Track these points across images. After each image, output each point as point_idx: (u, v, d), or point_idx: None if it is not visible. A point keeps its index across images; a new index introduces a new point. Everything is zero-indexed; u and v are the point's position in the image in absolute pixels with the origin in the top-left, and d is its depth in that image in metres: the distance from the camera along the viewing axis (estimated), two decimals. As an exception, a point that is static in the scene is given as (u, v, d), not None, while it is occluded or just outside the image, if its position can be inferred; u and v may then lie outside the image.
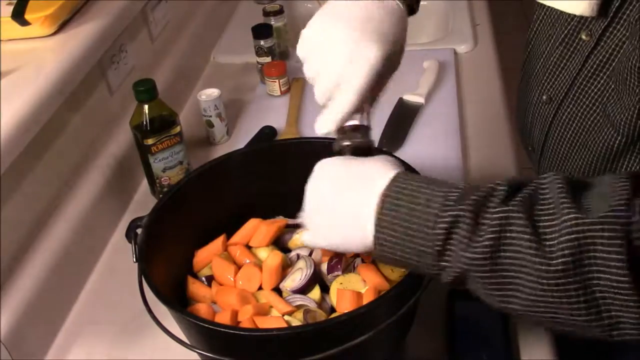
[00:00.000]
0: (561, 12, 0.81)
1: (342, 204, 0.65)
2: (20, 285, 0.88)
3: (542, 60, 0.88)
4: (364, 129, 0.74)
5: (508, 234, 0.54)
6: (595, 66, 0.77)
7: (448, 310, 0.87)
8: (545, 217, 0.54)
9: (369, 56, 0.69)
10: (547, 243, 0.53)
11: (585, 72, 0.79)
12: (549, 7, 0.85)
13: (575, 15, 0.79)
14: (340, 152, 0.73)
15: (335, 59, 0.70)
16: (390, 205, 0.60)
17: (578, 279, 0.52)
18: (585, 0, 0.74)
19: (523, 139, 0.99)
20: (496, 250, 0.55)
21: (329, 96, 0.73)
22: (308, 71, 0.74)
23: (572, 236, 0.52)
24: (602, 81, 0.77)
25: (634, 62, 0.68)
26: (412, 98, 1.29)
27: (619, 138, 0.75)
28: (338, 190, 0.66)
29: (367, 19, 0.71)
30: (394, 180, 0.62)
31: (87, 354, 0.91)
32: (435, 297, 0.88)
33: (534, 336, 0.85)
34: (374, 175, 0.64)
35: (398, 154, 0.95)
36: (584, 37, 0.78)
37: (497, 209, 0.56)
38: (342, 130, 0.73)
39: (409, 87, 1.31)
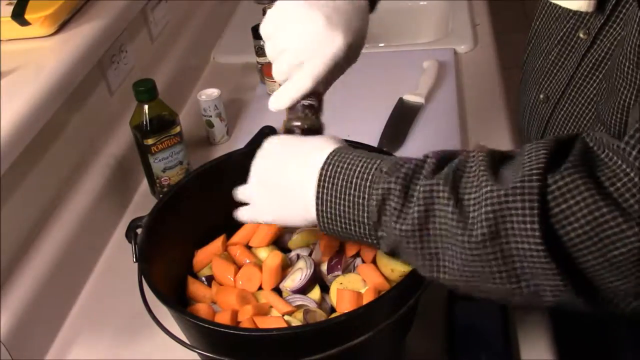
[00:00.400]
0: (561, 10, 0.82)
1: (286, 179, 0.67)
2: (20, 285, 0.88)
3: (541, 59, 0.88)
4: (315, 111, 0.76)
5: (435, 207, 0.56)
6: (591, 65, 0.78)
7: (448, 310, 0.87)
8: (468, 190, 0.56)
9: (336, 41, 0.72)
10: (470, 215, 0.54)
11: (582, 70, 0.79)
12: (550, 5, 0.85)
13: (574, 13, 0.79)
14: (290, 132, 0.75)
15: (302, 38, 0.72)
16: (329, 179, 0.63)
17: (497, 249, 0.53)
18: None
19: (522, 139, 1.00)
20: (424, 222, 0.57)
21: (288, 74, 0.74)
22: (272, 48, 0.75)
23: (489, 208, 0.53)
24: (597, 80, 0.77)
25: (628, 48, 0.66)
26: (412, 98, 1.29)
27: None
28: (281, 166, 0.69)
29: (337, 8, 0.73)
30: (332, 154, 0.64)
31: (87, 354, 0.91)
32: (435, 297, 0.88)
33: (534, 336, 0.85)
34: (314, 152, 0.66)
35: (398, 153, 0.95)
36: (581, 35, 0.78)
37: (424, 182, 0.57)
38: (294, 110, 0.75)
39: (409, 87, 1.31)
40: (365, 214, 0.61)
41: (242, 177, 0.91)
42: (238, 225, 0.90)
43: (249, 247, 0.89)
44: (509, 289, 0.55)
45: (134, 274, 0.75)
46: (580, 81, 0.80)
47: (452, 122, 1.23)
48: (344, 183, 0.61)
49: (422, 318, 0.82)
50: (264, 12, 1.48)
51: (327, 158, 0.64)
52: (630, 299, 0.54)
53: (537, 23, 0.89)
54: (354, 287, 0.80)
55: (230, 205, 0.91)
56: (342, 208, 0.62)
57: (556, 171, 0.51)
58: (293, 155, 0.68)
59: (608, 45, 0.74)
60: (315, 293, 0.82)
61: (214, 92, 1.23)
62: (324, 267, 0.85)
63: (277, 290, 0.83)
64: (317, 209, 0.64)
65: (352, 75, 1.45)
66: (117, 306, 0.95)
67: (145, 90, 1.04)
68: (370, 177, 0.60)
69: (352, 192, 0.61)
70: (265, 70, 1.36)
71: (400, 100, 1.29)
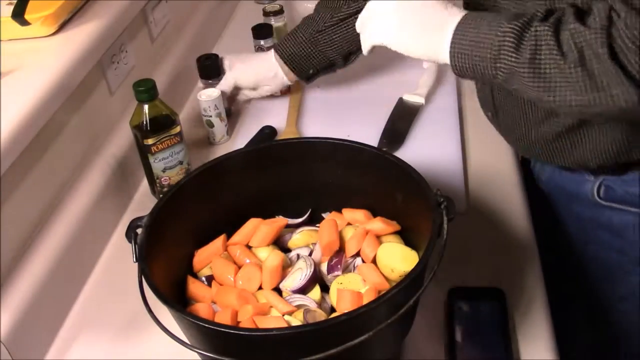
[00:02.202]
0: None
1: (428, 13, 0.85)
2: (20, 285, 0.88)
3: None
4: None
5: (542, 42, 0.76)
6: None
7: (448, 310, 0.87)
8: (563, 29, 0.76)
9: None
10: (564, 46, 0.75)
11: None
12: None
13: None
14: None
15: None
16: (465, 26, 0.82)
17: (586, 68, 0.73)
18: None
19: (483, 106, 1.12)
20: (534, 53, 0.76)
21: None
22: None
23: (577, 40, 0.74)
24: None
25: None
26: (412, 98, 1.29)
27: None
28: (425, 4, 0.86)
29: None
30: (467, 14, 0.84)
31: (87, 354, 0.91)
32: (435, 297, 0.88)
33: (534, 336, 0.85)
34: (450, 12, 0.84)
35: (398, 153, 0.95)
36: None
37: (536, 25, 0.77)
38: None
39: (409, 87, 1.31)
40: (489, 51, 0.79)
41: (242, 177, 0.92)
42: (238, 225, 0.91)
43: (249, 247, 0.89)
44: (596, 98, 0.75)
45: (134, 274, 0.75)
46: None
47: (452, 122, 1.23)
48: (475, 32, 0.80)
49: (422, 318, 0.82)
50: (264, 12, 1.48)
51: (464, 16, 0.83)
52: None
53: None
54: (354, 287, 0.80)
55: (230, 205, 0.91)
56: (470, 49, 0.81)
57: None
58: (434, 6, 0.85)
59: None
60: (315, 293, 0.82)
61: (214, 92, 1.23)
62: (324, 267, 0.85)
63: (277, 290, 0.83)
64: (452, 50, 0.82)
65: (352, 76, 1.46)
66: (117, 306, 0.95)
67: (145, 90, 1.04)
68: (496, 25, 0.79)
69: (481, 37, 0.80)
70: (265, 70, 1.36)
71: (400, 100, 1.29)
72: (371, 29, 0.90)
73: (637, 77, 0.72)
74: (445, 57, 0.84)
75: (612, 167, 0.99)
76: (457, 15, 0.83)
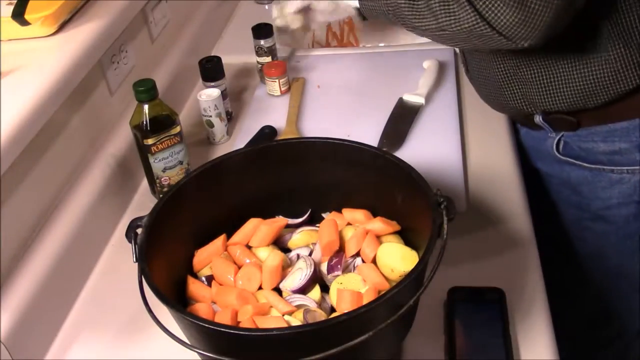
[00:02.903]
0: None
1: None
2: (20, 285, 0.88)
3: None
4: None
5: None
6: None
7: (448, 310, 0.87)
8: None
9: None
10: None
11: None
12: None
13: None
14: None
15: None
16: None
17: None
18: None
19: (463, 67, 1.22)
20: None
21: None
22: None
23: None
24: None
25: None
26: (412, 98, 1.29)
27: None
28: None
29: None
30: None
31: (87, 354, 0.91)
32: (435, 297, 0.88)
33: (534, 336, 0.85)
34: None
35: (398, 153, 0.95)
36: None
37: None
38: None
39: (409, 87, 1.31)
40: None
41: (242, 177, 0.92)
42: (238, 225, 0.91)
43: (249, 247, 0.89)
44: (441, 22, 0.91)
45: (134, 274, 0.75)
46: None
47: (452, 122, 1.23)
48: None
49: (422, 318, 0.82)
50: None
51: None
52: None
53: None
54: (354, 287, 0.80)
55: (230, 205, 0.91)
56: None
57: None
58: None
59: None
60: (315, 293, 0.82)
61: (214, 92, 1.23)
62: (324, 267, 0.85)
63: (277, 290, 0.83)
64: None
65: (352, 75, 1.46)
66: (117, 306, 0.95)
67: (145, 90, 1.04)
68: None
69: None
70: (265, 70, 1.36)
71: (400, 100, 1.29)
72: None
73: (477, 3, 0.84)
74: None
75: (563, 116, 1.06)
76: None
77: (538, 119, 1.10)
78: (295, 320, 0.77)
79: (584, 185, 1.13)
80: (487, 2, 0.84)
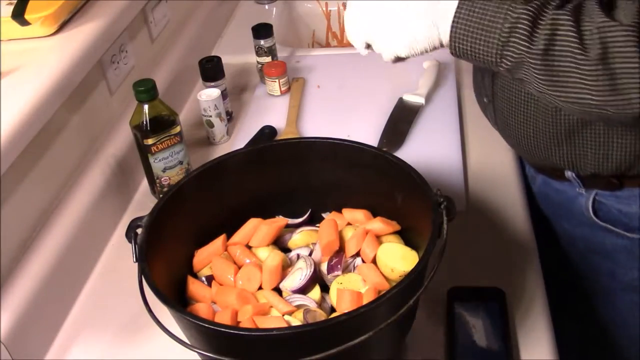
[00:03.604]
0: None
1: (424, 6, 0.76)
2: (20, 285, 0.88)
3: None
4: None
5: (560, 32, 0.69)
6: None
7: (448, 310, 0.87)
8: (587, 20, 0.69)
9: None
10: (586, 40, 0.68)
11: None
12: None
13: None
14: None
15: None
16: (466, 8, 0.73)
17: (608, 67, 0.67)
18: None
19: (478, 94, 1.08)
20: (550, 43, 0.69)
21: None
22: None
23: (602, 35, 0.67)
24: None
25: None
26: (412, 98, 1.29)
27: None
28: None
29: None
30: None
31: (87, 354, 0.91)
32: (435, 297, 0.88)
33: (534, 336, 0.85)
34: None
35: (398, 153, 0.95)
36: None
37: (554, 12, 0.70)
38: None
39: (409, 87, 1.31)
40: (497, 36, 0.71)
41: (242, 177, 0.92)
42: (238, 225, 0.91)
43: (249, 247, 0.89)
44: (611, 100, 0.70)
45: (134, 274, 0.75)
46: None
47: (452, 122, 1.23)
48: (481, 12, 0.72)
49: (422, 318, 0.82)
50: None
51: None
52: None
53: None
54: (354, 287, 0.80)
55: (230, 205, 0.91)
56: (475, 32, 0.73)
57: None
58: None
59: None
60: (315, 293, 0.82)
61: (214, 92, 1.23)
62: (324, 267, 0.85)
63: (277, 290, 0.83)
64: (452, 28, 0.74)
65: (352, 75, 1.46)
66: (117, 306, 0.95)
67: (145, 90, 1.04)
68: (506, 8, 0.71)
69: (487, 18, 0.72)
70: (265, 70, 1.37)
71: (400, 100, 1.29)
72: (359, 25, 0.83)
73: None
74: (443, 36, 0.75)
75: (607, 178, 0.94)
76: None
77: (570, 174, 0.98)
78: (295, 320, 0.77)
79: (621, 253, 1.00)
80: None
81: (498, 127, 1.06)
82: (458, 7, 0.73)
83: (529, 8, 0.70)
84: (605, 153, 0.91)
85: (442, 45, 0.77)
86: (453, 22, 0.74)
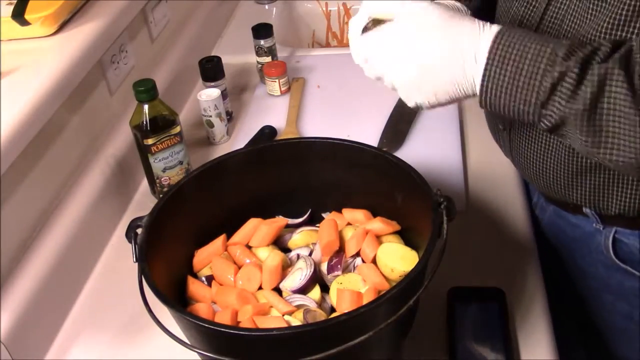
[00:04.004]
0: None
1: (445, 43, 0.67)
2: (20, 285, 0.88)
3: (506, 23, 0.88)
4: None
5: (608, 87, 0.61)
6: (553, 15, 0.79)
7: (448, 310, 0.87)
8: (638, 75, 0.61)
9: None
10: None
11: (543, 26, 0.80)
12: None
13: None
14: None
15: None
16: (499, 57, 0.64)
17: None
18: None
19: (491, 120, 1.00)
20: (596, 100, 0.61)
21: None
22: None
23: None
24: (559, 24, 0.79)
25: None
26: (412, 98, 1.29)
27: None
28: (437, 31, 0.67)
29: None
30: (501, 33, 0.65)
31: (87, 354, 0.91)
32: (435, 297, 0.88)
33: (534, 336, 0.85)
34: (476, 28, 0.66)
35: (398, 153, 0.95)
36: None
37: (599, 65, 0.62)
38: None
39: (409, 87, 1.31)
40: (535, 93, 0.63)
41: (242, 177, 0.92)
42: (238, 225, 0.91)
43: (249, 247, 0.89)
44: None
45: (134, 274, 0.75)
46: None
47: (452, 122, 1.23)
48: (516, 64, 0.64)
49: (422, 318, 0.82)
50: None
51: (496, 37, 0.65)
52: None
53: None
54: (354, 287, 0.80)
55: (230, 205, 0.91)
56: (510, 86, 0.64)
57: None
58: (453, 25, 0.67)
59: None
60: (315, 293, 0.82)
61: (214, 92, 1.23)
62: (324, 267, 0.85)
63: (277, 290, 0.83)
64: (483, 83, 0.65)
65: (352, 75, 1.45)
66: (117, 306, 0.95)
67: (145, 90, 1.04)
68: (544, 61, 0.63)
69: (523, 73, 0.63)
70: (265, 70, 1.36)
71: (401, 100, 1.29)
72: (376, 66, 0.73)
73: None
74: (471, 88, 0.67)
75: (631, 216, 0.86)
76: (485, 34, 0.65)
77: (589, 210, 0.90)
78: (295, 320, 0.77)
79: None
80: None
81: (512, 158, 0.97)
82: (489, 57, 0.64)
83: (573, 63, 0.62)
84: (634, 194, 0.83)
85: (473, 95, 0.68)
86: (484, 75, 0.65)
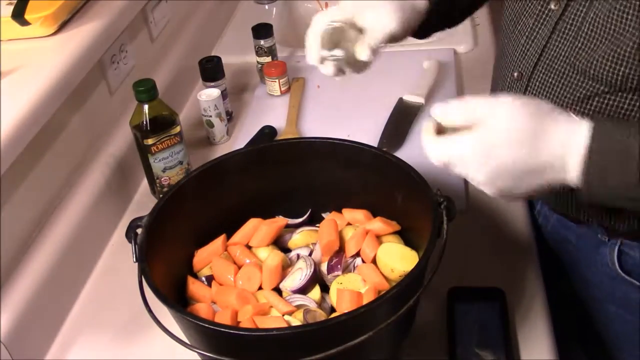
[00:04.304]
0: None
1: (537, 163, 0.65)
2: (20, 285, 0.88)
3: (512, 38, 0.88)
4: None
5: None
6: (563, 32, 0.78)
7: (448, 310, 0.87)
8: None
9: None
10: None
11: (553, 41, 0.80)
12: None
13: None
14: None
15: None
16: (595, 161, 0.63)
17: None
18: None
19: None
20: None
21: None
22: None
23: None
24: (571, 44, 0.78)
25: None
26: (412, 98, 1.29)
27: (601, 87, 0.76)
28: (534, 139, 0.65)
29: None
30: (594, 134, 0.63)
31: (87, 354, 0.91)
32: (435, 297, 0.88)
33: (534, 336, 0.85)
34: (566, 132, 0.64)
35: (398, 153, 0.95)
36: (552, 6, 0.79)
37: None
38: None
39: (409, 87, 1.31)
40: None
41: (242, 177, 0.92)
42: (238, 225, 0.91)
43: (249, 247, 0.89)
44: None
45: (134, 274, 0.75)
46: (552, 51, 0.80)
47: (452, 122, 1.23)
48: (618, 163, 0.62)
49: (422, 318, 0.82)
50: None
51: (591, 137, 0.63)
52: None
53: (507, 3, 0.89)
54: (354, 287, 0.80)
55: (230, 205, 0.91)
56: (611, 183, 0.63)
57: None
58: (542, 131, 0.65)
59: (579, 8, 0.76)
60: (315, 293, 0.82)
61: (214, 92, 1.23)
62: (324, 267, 0.85)
63: (277, 290, 0.83)
64: (583, 179, 0.64)
65: (352, 75, 1.45)
66: (117, 306, 0.95)
67: (145, 90, 1.04)
68: None
69: (629, 172, 0.62)
70: (265, 70, 1.36)
71: (400, 100, 1.29)
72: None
73: None
74: (561, 185, 0.66)
75: (638, 229, 0.85)
76: (577, 137, 0.63)
77: (595, 223, 0.89)
78: (295, 320, 0.77)
79: None
80: None
81: None
82: (584, 171, 0.63)
83: None
84: None
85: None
86: (581, 180, 0.64)
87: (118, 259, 1.05)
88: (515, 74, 0.87)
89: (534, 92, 0.85)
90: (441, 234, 0.75)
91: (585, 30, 0.75)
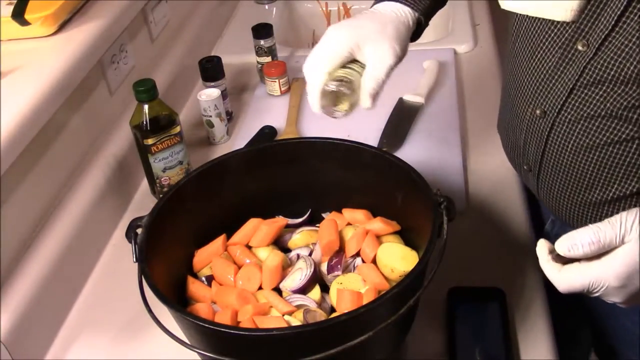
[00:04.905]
0: (543, 23, 0.80)
1: None
2: (20, 285, 0.88)
3: (530, 72, 0.85)
4: None
5: None
6: (595, 74, 0.75)
7: (448, 310, 0.87)
8: None
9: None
10: None
11: (584, 81, 0.77)
12: (527, 18, 0.83)
13: (566, 24, 0.77)
14: None
15: None
16: None
17: None
18: (562, 1, 0.74)
19: (514, 158, 0.97)
20: None
21: None
22: None
23: None
24: (604, 86, 0.75)
25: None
26: (412, 98, 1.29)
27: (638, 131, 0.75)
28: None
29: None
30: None
31: (87, 354, 0.91)
32: (435, 297, 0.88)
33: (534, 336, 0.85)
34: None
35: (398, 153, 0.95)
36: (580, 47, 0.76)
37: None
38: None
39: (409, 87, 1.31)
40: None
41: (242, 177, 0.92)
42: (238, 225, 0.91)
43: (249, 247, 0.89)
44: None
45: (134, 274, 0.75)
46: (581, 92, 0.78)
47: (452, 122, 1.23)
48: None
49: (422, 318, 0.82)
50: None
51: None
52: None
53: (518, 35, 0.86)
54: (354, 287, 0.80)
55: (230, 205, 0.91)
56: None
57: None
58: None
59: (612, 55, 0.73)
60: (315, 293, 0.82)
61: (214, 92, 1.23)
62: (324, 267, 0.85)
63: (277, 290, 0.83)
64: None
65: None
66: (117, 306, 0.95)
67: (145, 90, 1.04)
68: None
69: None
70: (265, 70, 1.36)
71: (400, 100, 1.29)
72: None
73: None
74: None
75: None
76: None
77: None
78: (295, 320, 0.77)
79: None
80: None
81: (538, 195, 0.95)
82: None
83: None
84: None
85: None
86: None
87: (118, 259, 1.05)
88: (538, 112, 0.84)
89: (561, 132, 0.83)
90: (441, 234, 0.75)
91: (619, 74, 0.73)
